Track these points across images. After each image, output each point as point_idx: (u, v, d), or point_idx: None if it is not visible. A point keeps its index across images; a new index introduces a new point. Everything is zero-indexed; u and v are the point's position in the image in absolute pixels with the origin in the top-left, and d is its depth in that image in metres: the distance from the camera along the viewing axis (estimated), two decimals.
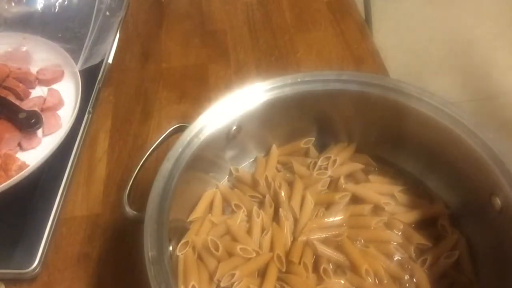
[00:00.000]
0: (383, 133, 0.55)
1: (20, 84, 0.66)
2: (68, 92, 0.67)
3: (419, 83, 0.50)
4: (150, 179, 0.44)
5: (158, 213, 0.42)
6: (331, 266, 0.47)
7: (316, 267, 0.47)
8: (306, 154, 0.58)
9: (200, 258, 0.48)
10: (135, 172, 0.48)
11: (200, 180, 0.53)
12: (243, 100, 0.51)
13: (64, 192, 0.58)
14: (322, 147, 0.58)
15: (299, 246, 0.48)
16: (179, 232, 0.49)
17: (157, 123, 0.67)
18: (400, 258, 0.48)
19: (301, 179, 0.53)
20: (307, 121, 0.56)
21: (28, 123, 0.60)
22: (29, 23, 0.76)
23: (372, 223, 0.50)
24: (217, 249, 0.47)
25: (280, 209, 0.51)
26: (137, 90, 0.72)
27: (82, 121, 0.64)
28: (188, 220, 0.51)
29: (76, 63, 0.69)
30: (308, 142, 0.57)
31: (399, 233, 0.50)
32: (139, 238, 0.40)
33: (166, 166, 0.45)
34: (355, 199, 0.52)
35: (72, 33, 0.75)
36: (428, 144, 0.51)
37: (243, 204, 0.52)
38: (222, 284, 0.46)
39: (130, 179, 0.48)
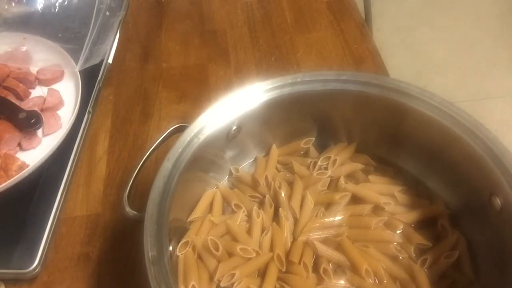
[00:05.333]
0: (383, 133, 0.55)
1: (20, 84, 0.66)
2: (68, 92, 0.67)
3: (419, 83, 0.50)
4: (150, 179, 0.44)
5: (158, 213, 0.42)
6: (331, 266, 0.47)
7: (316, 267, 0.47)
8: (306, 154, 0.58)
9: (200, 258, 0.48)
10: (135, 172, 0.48)
11: (200, 180, 0.53)
12: (243, 100, 0.51)
13: (64, 192, 0.58)
14: (322, 147, 0.58)
15: (299, 246, 0.48)
16: (179, 232, 0.49)
17: (157, 123, 0.67)
18: (400, 258, 0.48)
19: (301, 179, 0.53)
20: (307, 121, 0.56)
21: (28, 123, 0.60)
22: (29, 23, 0.76)
23: (372, 223, 0.50)
24: (217, 249, 0.47)
25: (280, 209, 0.51)
26: (137, 90, 0.72)
27: (82, 121, 0.64)
28: (188, 220, 0.51)
29: (76, 63, 0.69)
30: (308, 142, 0.57)
31: (399, 233, 0.50)
32: (139, 238, 0.40)
33: (166, 166, 0.45)
34: (355, 199, 0.52)
35: (72, 33, 0.75)
36: (428, 144, 0.51)
37: (243, 204, 0.52)
38: (222, 284, 0.46)
39: (130, 179, 0.48)
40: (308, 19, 0.82)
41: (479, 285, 0.47)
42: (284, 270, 0.47)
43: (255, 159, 0.58)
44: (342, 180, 0.53)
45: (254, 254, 0.47)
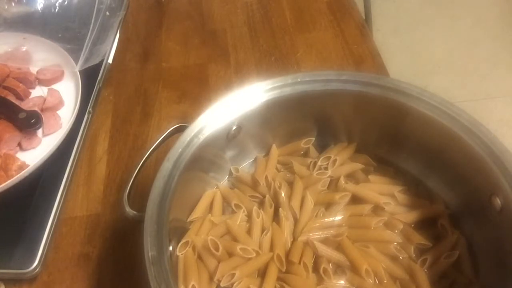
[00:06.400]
0: (383, 133, 0.55)
1: (20, 84, 0.66)
2: (68, 92, 0.67)
3: (419, 83, 0.50)
4: (150, 179, 0.44)
5: (158, 213, 0.42)
6: (331, 266, 0.47)
7: (316, 267, 0.47)
8: (306, 154, 0.58)
9: (200, 258, 0.48)
10: (135, 172, 0.48)
11: (200, 180, 0.53)
12: (243, 100, 0.51)
13: (64, 192, 0.58)
14: (322, 147, 0.58)
15: (299, 246, 0.48)
16: (179, 232, 0.49)
17: (157, 123, 0.67)
18: (400, 258, 0.48)
19: (301, 179, 0.53)
20: (307, 121, 0.56)
21: (28, 123, 0.60)
22: (29, 23, 0.76)
23: (372, 223, 0.50)
24: (217, 249, 0.47)
25: (280, 209, 0.51)
26: (137, 90, 0.72)
27: (82, 121, 0.64)
28: (188, 220, 0.51)
29: (76, 63, 0.69)
30: (308, 142, 0.57)
31: (399, 233, 0.50)
32: (139, 238, 0.40)
33: (166, 166, 0.45)
34: (355, 199, 0.52)
35: (72, 33, 0.75)
36: (428, 144, 0.51)
37: (243, 204, 0.52)
38: (222, 284, 0.46)
39: (130, 179, 0.48)
40: (308, 19, 0.82)
41: (479, 285, 0.47)
42: (284, 270, 0.47)
43: (255, 159, 0.58)
44: (342, 180, 0.53)
45: (254, 254, 0.47)
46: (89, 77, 0.69)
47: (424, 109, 0.49)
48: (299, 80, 0.52)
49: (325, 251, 0.47)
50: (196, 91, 0.71)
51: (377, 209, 0.51)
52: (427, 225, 0.51)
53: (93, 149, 0.64)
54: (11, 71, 0.68)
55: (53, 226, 0.55)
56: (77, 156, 0.62)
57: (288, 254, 0.48)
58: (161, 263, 0.39)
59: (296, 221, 0.51)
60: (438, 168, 0.52)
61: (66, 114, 0.64)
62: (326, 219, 0.51)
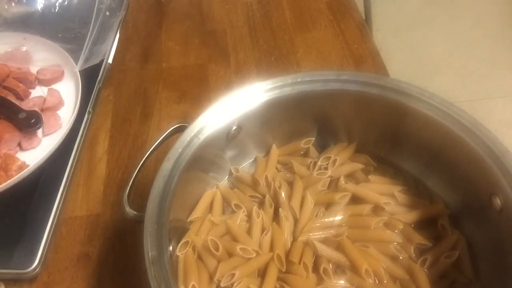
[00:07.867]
0: (383, 133, 0.55)
1: (20, 84, 0.66)
2: (68, 92, 0.67)
3: (419, 83, 0.50)
4: (150, 179, 0.44)
5: (158, 213, 0.42)
6: (331, 266, 0.47)
7: (316, 267, 0.47)
8: (306, 154, 0.58)
9: (200, 258, 0.48)
10: (135, 172, 0.48)
11: (200, 180, 0.53)
12: (243, 100, 0.51)
13: (64, 192, 0.58)
14: (322, 147, 0.58)
15: (299, 246, 0.48)
16: (179, 232, 0.49)
17: (157, 123, 0.67)
18: (400, 258, 0.48)
19: (301, 179, 0.53)
20: (307, 121, 0.56)
21: (28, 123, 0.60)
22: (29, 23, 0.76)
23: (372, 223, 0.50)
24: (217, 249, 0.47)
25: (280, 209, 0.51)
26: (137, 90, 0.72)
27: (82, 121, 0.65)
28: (188, 220, 0.51)
29: (76, 63, 0.69)
30: (308, 142, 0.57)
31: (399, 233, 0.50)
32: (139, 238, 0.40)
33: (166, 166, 0.45)
34: (355, 199, 0.52)
35: (72, 33, 0.75)
36: (428, 144, 0.51)
37: (243, 204, 0.52)
38: (222, 284, 0.46)
39: (130, 179, 0.48)
40: (308, 19, 0.82)
41: (479, 285, 0.47)
42: (284, 270, 0.47)
43: (255, 159, 0.58)
44: (342, 180, 0.53)
45: (254, 254, 0.47)
46: (89, 77, 0.69)
47: (424, 109, 0.49)
48: (299, 80, 0.52)
49: (325, 251, 0.47)
50: (196, 91, 0.71)
51: (377, 209, 0.51)
52: (427, 225, 0.51)
53: (93, 149, 0.64)
54: (11, 71, 0.68)
55: (53, 226, 0.55)
56: (77, 156, 0.62)
57: (288, 254, 0.48)
58: (161, 263, 0.39)
59: (296, 221, 0.51)
60: (438, 168, 0.53)
61: (66, 114, 0.64)
62: (326, 219, 0.51)
